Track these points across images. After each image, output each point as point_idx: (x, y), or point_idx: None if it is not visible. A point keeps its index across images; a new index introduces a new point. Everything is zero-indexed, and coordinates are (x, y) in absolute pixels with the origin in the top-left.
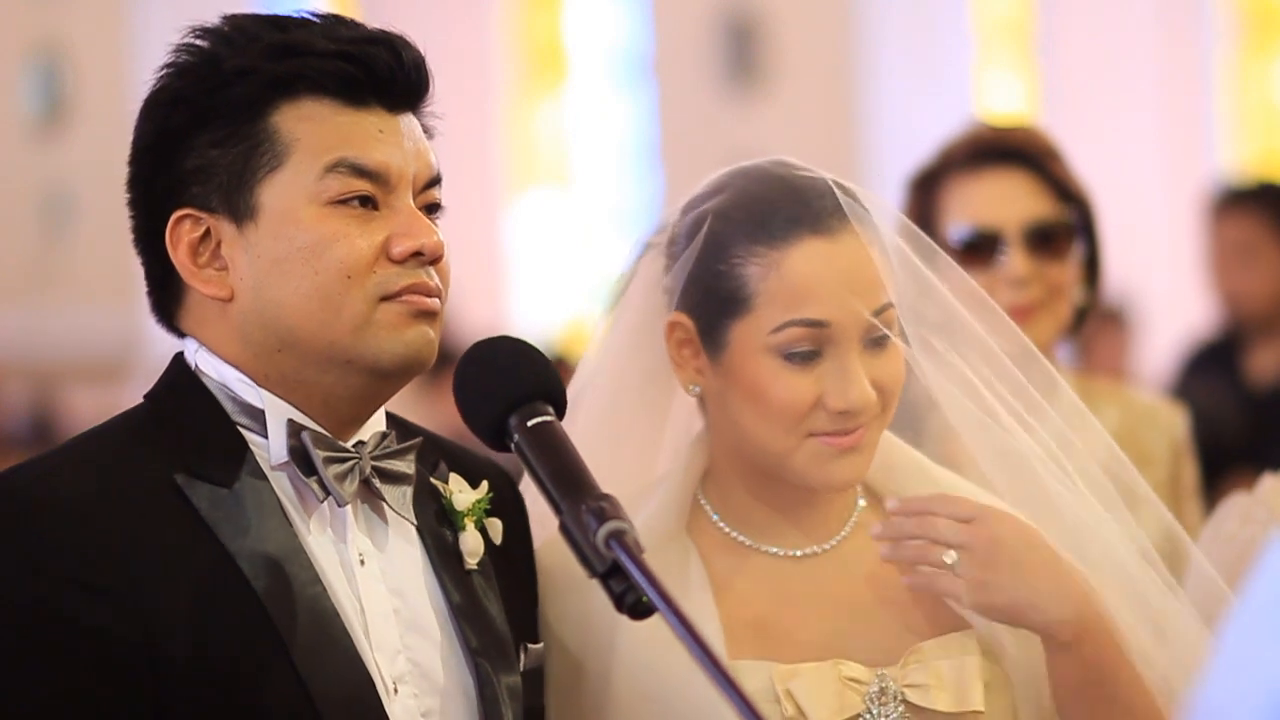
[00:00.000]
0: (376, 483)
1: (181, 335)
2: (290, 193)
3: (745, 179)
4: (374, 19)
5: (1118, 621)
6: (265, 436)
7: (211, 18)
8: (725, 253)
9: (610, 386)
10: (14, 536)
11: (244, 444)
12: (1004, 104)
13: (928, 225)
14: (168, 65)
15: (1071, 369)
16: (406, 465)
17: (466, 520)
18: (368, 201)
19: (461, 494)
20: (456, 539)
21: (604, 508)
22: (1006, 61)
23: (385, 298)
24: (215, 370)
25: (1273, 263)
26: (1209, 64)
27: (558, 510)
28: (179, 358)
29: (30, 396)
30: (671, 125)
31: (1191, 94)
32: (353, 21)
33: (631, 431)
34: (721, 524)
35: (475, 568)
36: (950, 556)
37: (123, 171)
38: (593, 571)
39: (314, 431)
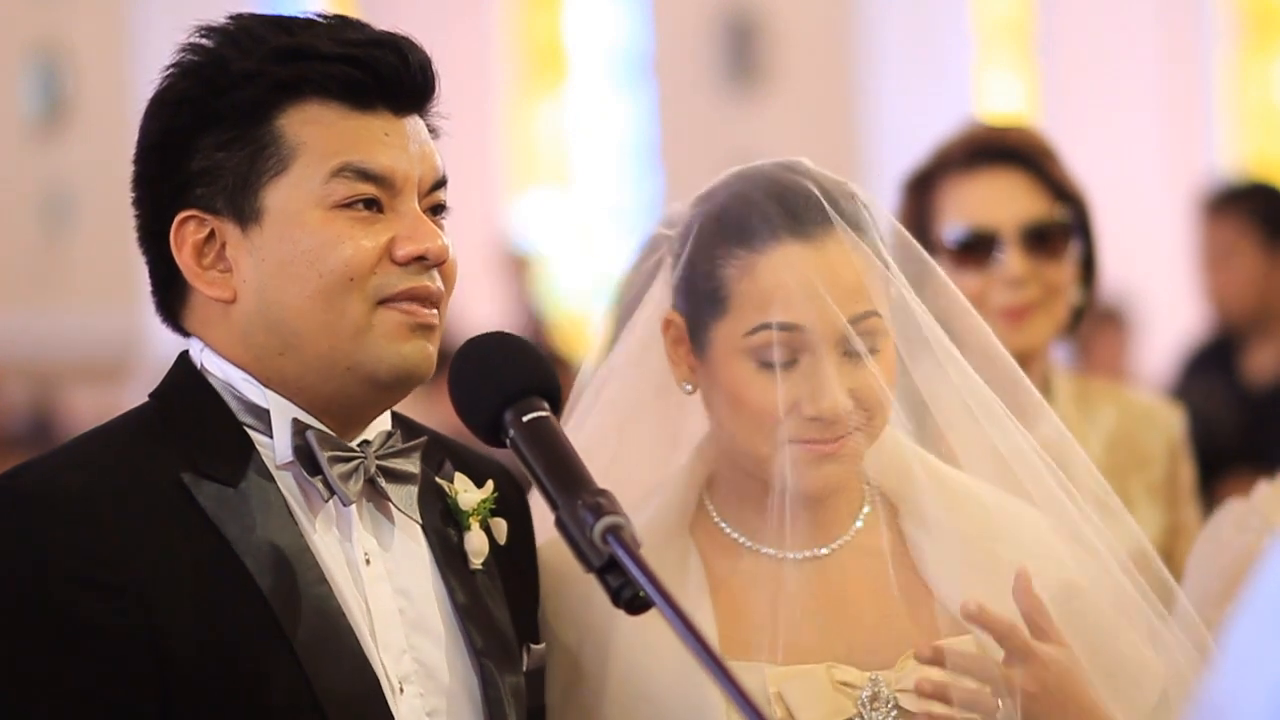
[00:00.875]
0: (382, 482)
1: (186, 335)
2: (295, 196)
3: (741, 181)
4: (374, 19)
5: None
6: (270, 436)
7: (212, 18)
8: (710, 253)
9: (631, 380)
10: (21, 535)
11: (250, 443)
12: (1004, 104)
13: (924, 226)
14: (174, 65)
15: (1069, 369)
16: (412, 464)
17: (471, 520)
18: (373, 204)
19: (467, 494)
20: (461, 539)
21: (600, 503)
22: (1006, 61)
23: (384, 300)
24: (220, 370)
25: (1252, 264)
26: (1209, 64)
27: (554, 505)
28: (184, 357)
29: (30, 396)
30: (671, 125)
31: (1191, 94)
32: (359, 23)
33: (650, 425)
34: (723, 525)
35: (480, 568)
36: (999, 708)
37: (124, 171)
38: (589, 566)
39: (319, 431)
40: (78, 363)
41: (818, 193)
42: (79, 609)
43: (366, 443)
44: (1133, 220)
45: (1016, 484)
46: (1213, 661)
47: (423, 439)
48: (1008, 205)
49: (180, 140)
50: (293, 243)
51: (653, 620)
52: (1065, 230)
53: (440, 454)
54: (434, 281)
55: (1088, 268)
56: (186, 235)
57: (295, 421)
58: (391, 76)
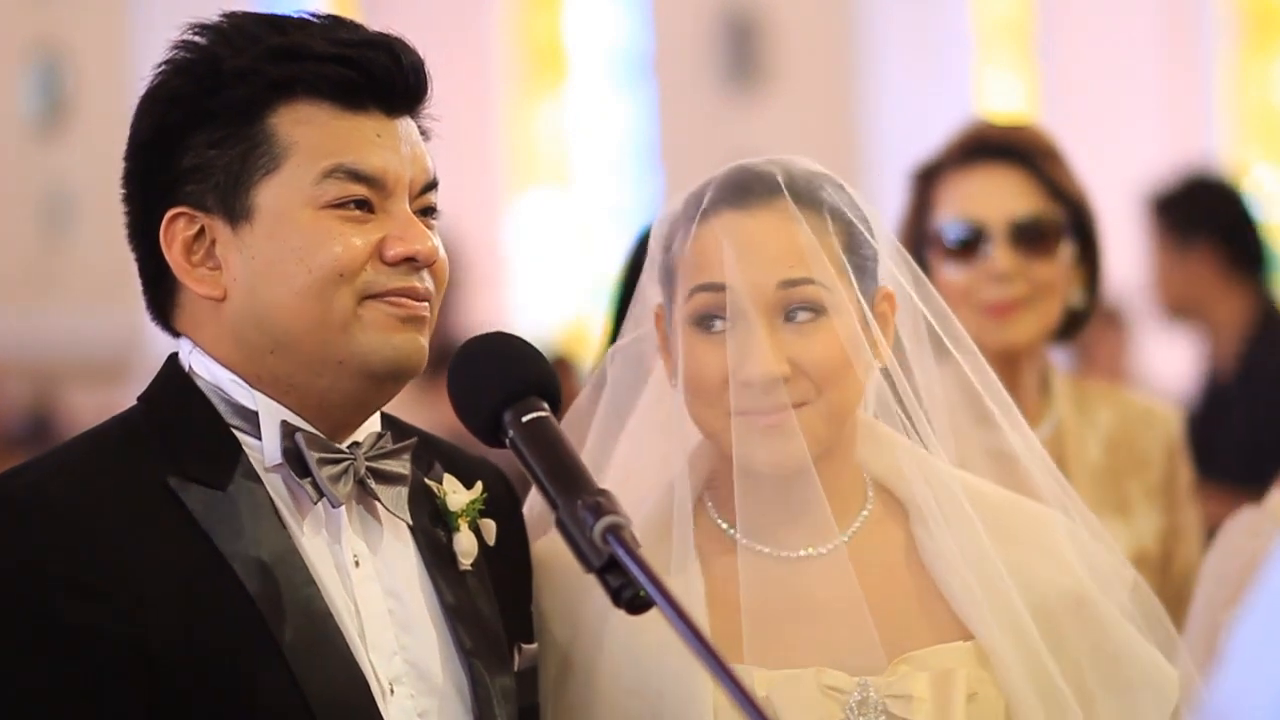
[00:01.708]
0: (371, 483)
1: (176, 335)
2: (286, 195)
3: (721, 171)
4: (374, 19)
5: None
6: (258, 438)
7: (211, 17)
8: (673, 238)
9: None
10: (8, 541)
11: (238, 446)
12: (1004, 104)
13: (925, 219)
14: (167, 62)
15: (1067, 371)
16: (401, 466)
17: (460, 521)
18: (364, 205)
19: (455, 494)
20: (450, 539)
21: (600, 503)
22: (1006, 61)
23: (370, 296)
24: (208, 372)
25: (1166, 262)
26: (1209, 64)
27: (554, 506)
28: (173, 359)
29: (30, 396)
30: (671, 125)
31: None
32: (352, 23)
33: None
34: (720, 521)
35: (469, 568)
36: None
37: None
38: (589, 566)
39: (307, 433)
40: (78, 363)
41: (778, 174)
42: (66, 614)
43: (356, 444)
44: (1132, 221)
45: (1017, 486)
46: (1220, 662)
47: (412, 440)
48: (999, 201)
49: (171, 137)
50: (283, 241)
51: (645, 617)
52: (1057, 229)
53: (429, 455)
54: (423, 282)
55: (1090, 272)
56: (176, 232)
57: (284, 424)
58: (384, 77)
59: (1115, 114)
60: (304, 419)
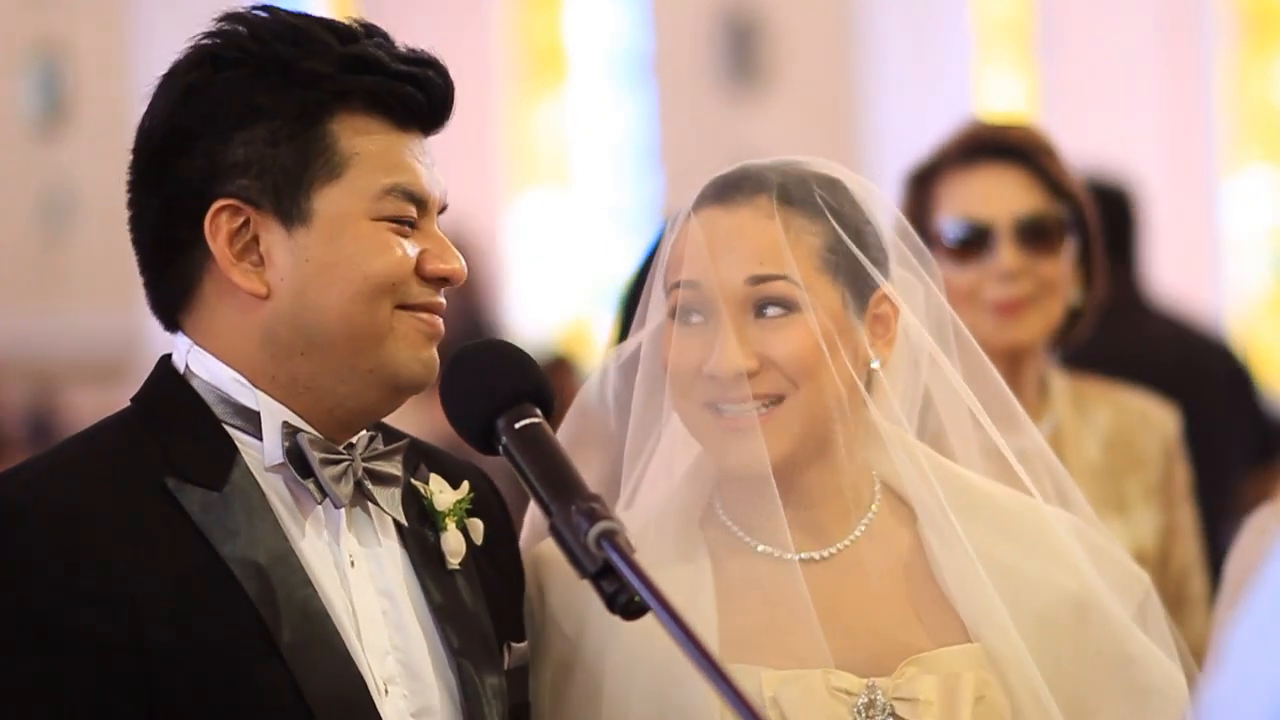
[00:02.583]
0: (368, 484)
1: (175, 330)
2: (346, 203)
3: (725, 169)
4: (375, 20)
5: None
6: (257, 438)
7: (209, 18)
8: (670, 233)
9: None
10: (4, 544)
11: (233, 446)
12: (1004, 104)
13: (924, 220)
14: (209, 54)
15: (1066, 371)
16: (394, 467)
17: (448, 520)
18: (411, 223)
19: (442, 494)
20: (438, 539)
21: (594, 508)
22: (1006, 61)
23: (402, 306)
24: (207, 370)
25: None
26: (1209, 64)
27: (547, 512)
28: (165, 360)
29: (30, 396)
30: (671, 125)
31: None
32: (389, 36)
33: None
34: (728, 522)
35: (457, 568)
36: None
37: (124, 171)
38: (584, 572)
39: (309, 434)
40: (78, 363)
41: (773, 173)
42: (64, 616)
43: (351, 445)
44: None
45: (1018, 487)
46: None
47: (404, 441)
48: (1002, 200)
49: (220, 128)
50: (339, 247)
51: (655, 620)
52: (1060, 226)
53: (415, 457)
54: (442, 299)
55: (1088, 270)
56: (221, 224)
57: (285, 425)
58: (439, 100)
59: (1115, 114)
60: (307, 421)
